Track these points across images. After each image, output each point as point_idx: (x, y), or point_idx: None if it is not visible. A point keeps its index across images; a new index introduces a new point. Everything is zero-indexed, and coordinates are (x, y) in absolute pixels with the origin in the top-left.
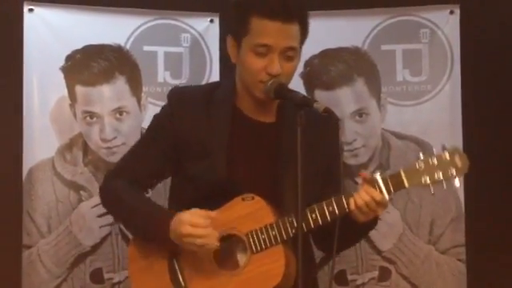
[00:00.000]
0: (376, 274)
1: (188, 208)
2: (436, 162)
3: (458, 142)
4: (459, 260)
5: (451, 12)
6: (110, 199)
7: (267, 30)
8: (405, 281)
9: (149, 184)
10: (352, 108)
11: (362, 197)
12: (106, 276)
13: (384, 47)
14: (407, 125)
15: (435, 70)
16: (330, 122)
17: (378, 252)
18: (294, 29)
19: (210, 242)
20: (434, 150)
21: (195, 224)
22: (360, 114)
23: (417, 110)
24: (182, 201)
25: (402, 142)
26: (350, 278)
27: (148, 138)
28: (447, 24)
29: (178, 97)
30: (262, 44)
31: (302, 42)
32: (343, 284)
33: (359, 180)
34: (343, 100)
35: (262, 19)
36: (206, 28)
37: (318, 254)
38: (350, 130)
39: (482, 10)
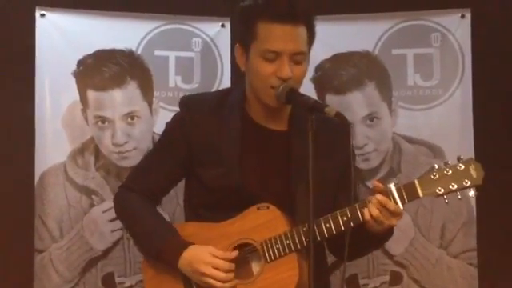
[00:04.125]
0: (387, 278)
1: (204, 213)
2: (450, 173)
3: (470, 146)
4: (470, 264)
5: (462, 16)
6: (122, 214)
7: (274, 35)
8: (416, 285)
9: (163, 193)
10: (363, 112)
11: (376, 207)
12: (117, 280)
13: (395, 51)
14: (418, 129)
15: (446, 74)
16: (341, 129)
17: (390, 256)
18: (301, 31)
19: (228, 286)
20: (446, 154)
21: (218, 268)
22: (371, 118)
23: (428, 114)
24: (197, 204)
25: (413, 146)
26: (361, 282)
27: (160, 147)
28: (458, 28)
29: (189, 104)
30: (270, 50)
31: (309, 45)
32: None
33: (370, 184)
34: (354, 104)
35: (269, 24)
36: (217, 33)
37: (330, 259)
38: (361, 135)
39: (493, 14)
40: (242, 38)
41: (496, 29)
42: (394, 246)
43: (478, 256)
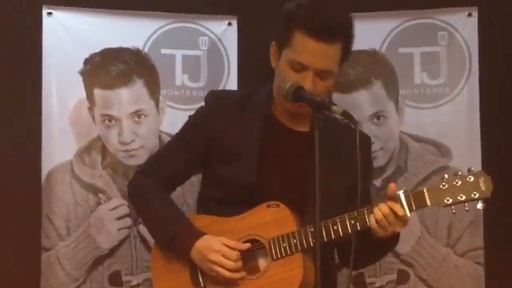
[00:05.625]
0: (394, 276)
1: (215, 206)
2: (460, 184)
3: (476, 145)
4: (477, 263)
5: (469, 14)
6: (137, 200)
7: (307, 49)
8: (423, 283)
9: (177, 183)
10: (370, 111)
11: (382, 210)
12: (124, 279)
13: (402, 50)
14: (425, 127)
15: (453, 72)
16: (362, 136)
17: (396, 255)
18: (335, 50)
19: (237, 276)
20: (453, 152)
21: (227, 256)
22: (378, 116)
23: (435, 113)
24: (210, 197)
25: (419, 145)
26: (368, 280)
27: (180, 138)
28: (465, 26)
29: (214, 99)
30: (298, 62)
31: (342, 62)
32: (361, 287)
33: (377, 183)
34: (361, 103)
35: (304, 36)
36: (223, 31)
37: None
38: (367, 133)
39: (501, 13)
40: (278, 39)
41: (503, 27)
42: (401, 244)
43: (485, 255)
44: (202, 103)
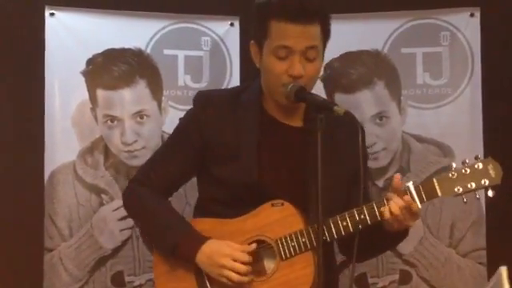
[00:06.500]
0: (396, 277)
1: (216, 208)
2: (469, 172)
3: (479, 145)
4: (480, 263)
5: (472, 15)
6: (134, 209)
7: (287, 33)
8: (425, 284)
9: (174, 189)
10: (372, 111)
11: (398, 204)
12: (127, 279)
13: (404, 50)
14: (427, 128)
15: (456, 73)
16: (356, 127)
17: (399, 255)
18: (314, 30)
19: (246, 280)
20: (455, 152)
21: (238, 259)
22: (380, 117)
23: (437, 113)
24: (209, 200)
25: (422, 145)
26: (370, 281)
27: (173, 142)
28: (468, 27)
29: (203, 100)
30: (282, 46)
31: (324, 42)
32: (364, 287)
33: (380, 183)
34: (363, 103)
35: (281, 23)
36: (226, 31)
37: (339, 258)
38: (370, 134)
39: (503, 13)
40: (256, 36)
41: (505, 27)
42: (403, 244)
43: (488, 255)
44: None
